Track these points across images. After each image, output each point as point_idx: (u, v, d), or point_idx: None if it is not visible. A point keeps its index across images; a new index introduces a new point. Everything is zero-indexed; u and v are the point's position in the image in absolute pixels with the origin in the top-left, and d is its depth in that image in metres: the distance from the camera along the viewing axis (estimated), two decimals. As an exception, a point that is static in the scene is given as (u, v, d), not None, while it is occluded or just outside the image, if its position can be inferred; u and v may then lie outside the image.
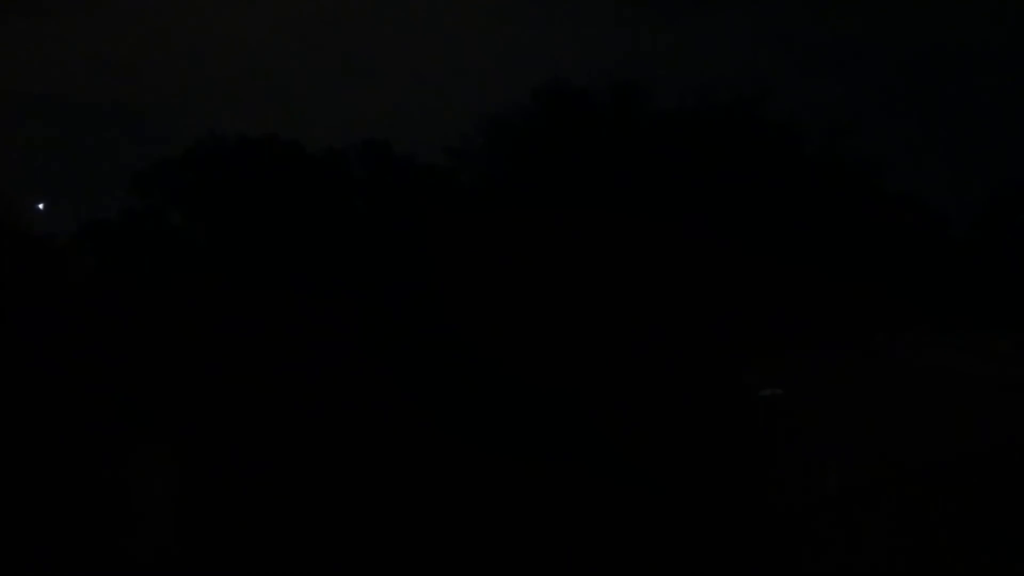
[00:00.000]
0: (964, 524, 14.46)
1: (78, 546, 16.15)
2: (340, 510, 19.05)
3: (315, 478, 23.09)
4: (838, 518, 16.30)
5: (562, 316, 50.76)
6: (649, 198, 51.23)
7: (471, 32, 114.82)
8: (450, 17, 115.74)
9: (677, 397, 42.12)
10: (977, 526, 14.29)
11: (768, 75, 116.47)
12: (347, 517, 18.38)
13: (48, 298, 54.13)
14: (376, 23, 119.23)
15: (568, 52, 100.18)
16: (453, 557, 15.08)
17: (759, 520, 16.78)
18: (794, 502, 17.67)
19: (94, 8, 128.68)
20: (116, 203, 63.14)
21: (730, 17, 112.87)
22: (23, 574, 14.67)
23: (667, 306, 50.19)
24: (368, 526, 17.53)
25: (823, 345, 48.62)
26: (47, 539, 16.61)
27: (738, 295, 49.71)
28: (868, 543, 14.44)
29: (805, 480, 19.38)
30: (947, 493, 16.77)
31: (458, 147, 54.83)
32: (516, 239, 51.97)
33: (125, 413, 38.73)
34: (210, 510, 19.86)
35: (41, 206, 63.28)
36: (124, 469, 25.51)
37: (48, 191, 74.47)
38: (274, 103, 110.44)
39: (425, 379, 51.09)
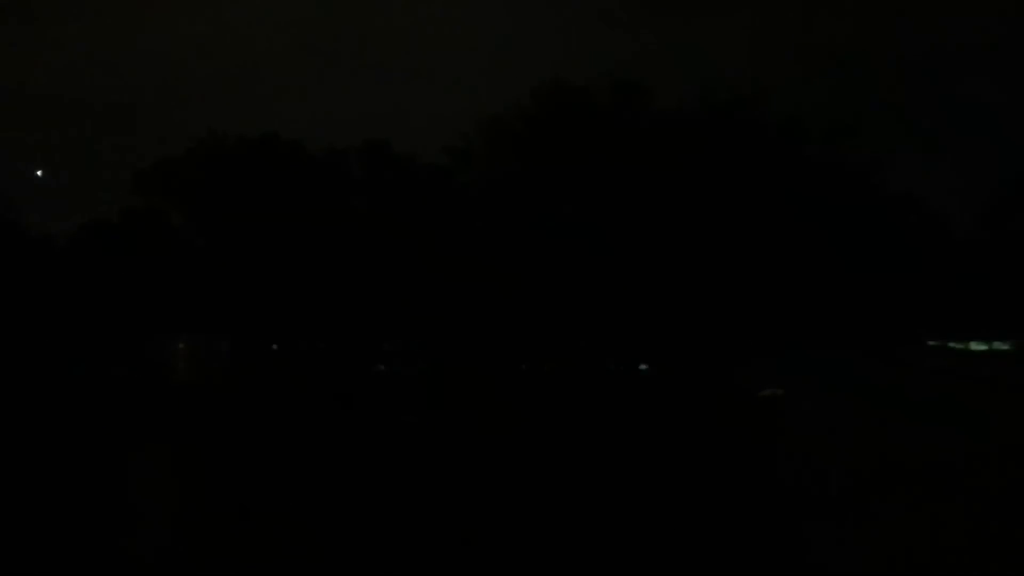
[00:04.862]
0: (964, 524, 14.44)
1: (79, 545, 16.13)
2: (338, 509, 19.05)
3: (313, 477, 23.08)
4: (838, 518, 16.29)
5: (561, 315, 50.83)
6: (649, 198, 51.21)
7: (471, 32, 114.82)
8: (450, 17, 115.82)
9: (678, 397, 42.14)
10: (977, 526, 14.28)
11: (768, 75, 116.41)
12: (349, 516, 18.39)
13: (48, 297, 54.20)
14: (376, 23, 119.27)
15: (568, 52, 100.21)
16: (451, 554, 15.07)
17: (759, 520, 16.78)
18: (794, 502, 17.67)
19: (95, 8, 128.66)
20: (115, 202, 63.02)
21: (730, 17, 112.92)
22: (23, 574, 14.65)
23: (667, 306, 50.24)
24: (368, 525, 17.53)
25: (823, 345, 48.63)
26: (48, 538, 16.59)
27: (738, 295, 49.73)
28: (868, 542, 14.44)
29: (805, 480, 19.37)
30: (947, 493, 16.75)
31: (458, 147, 54.79)
32: (516, 239, 52.03)
33: (125, 413, 38.74)
34: (209, 510, 19.83)
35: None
36: (124, 469, 25.49)
37: (49, 186, 74.52)
38: (274, 103, 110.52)
39: (425, 377, 51.04)
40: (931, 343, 52.50)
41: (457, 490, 20.85)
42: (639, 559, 14.84)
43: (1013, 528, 13.95)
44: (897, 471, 19.11)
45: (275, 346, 57.25)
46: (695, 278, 49.83)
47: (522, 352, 51.88)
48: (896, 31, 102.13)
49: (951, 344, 53.34)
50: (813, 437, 25.63)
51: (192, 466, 26.37)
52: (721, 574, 14.15)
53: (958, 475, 18.20)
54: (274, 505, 19.61)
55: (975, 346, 52.47)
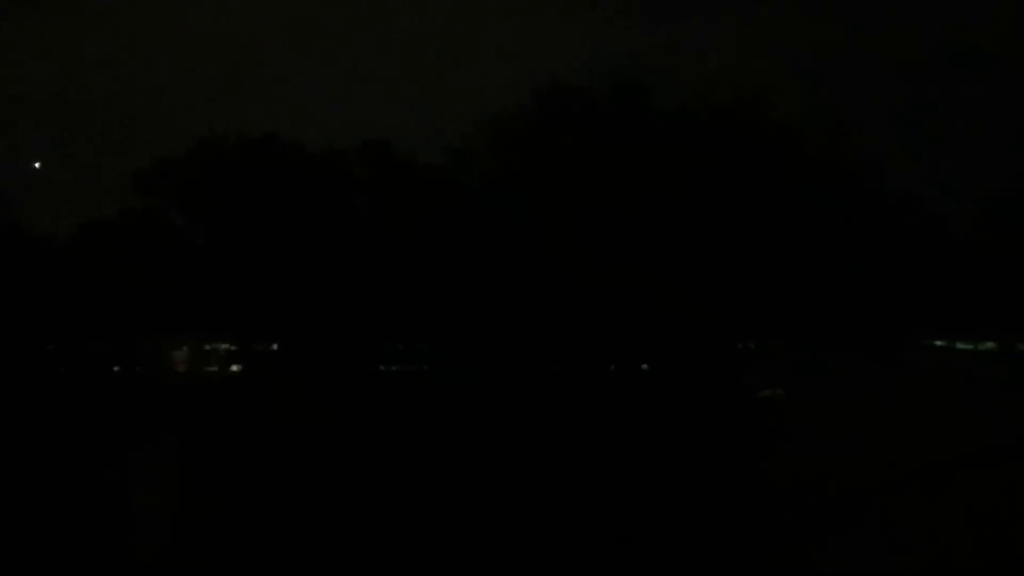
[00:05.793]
0: (964, 523, 14.44)
1: (78, 545, 16.13)
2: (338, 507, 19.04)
3: (312, 477, 23.07)
4: (838, 518, 16.28)
5: (562, 315, 50.84)
6: (649, 198, 51.20)
7: (472, 32, 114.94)
8: (451, 17, 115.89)
9: (678, 397, 42.14)
10: (977, 525, 14.27)
11: (768, 75, 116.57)
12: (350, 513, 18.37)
13: (48, 296, 54.23)
14: (376, 24, 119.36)
15: (568, 52, 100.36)
16: (453, 553, 15.06)
17: (759, 520, 16.76)
18: (794, 502, 17.65)
19: (95, 9, 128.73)
20: (115, 202, 63.12)
21: (730, 17, 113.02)
22: (23, 574, 14.65)
23: (667, 306, 50.25)
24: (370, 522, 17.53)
25: (823, 345, 48.65)
26: (48, 538, 16.58)
27: (738, 295, 49.74)
28: (869, 542, 14.43)
29: (805, 480, 19.35)
30: (948, 492, 16.75)
31: (458, 147, 54.79)
32: (517, 239, 52.04)
33: (125, 413, 38.76)
34: (209, 510, 19.82)
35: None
36: (124, 468, 25.47)
37: (48, 186, 74.76)
38: (274, 103, 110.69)
39: (424, 377, 51.02)
40: (932, 343, 52.52)
41: (456, 491, 20.83)
42: (639, 559, 14.83)
43: (1012, 527, 13.94)
44: (897, 470, 19.11)
45: (275, 346, 57.30)
46: (694, 278, 49.82)
47: (524, 352, 51.87)
48: (897, 31, 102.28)
49: (952, 344, 53.35)
50: (813, 437, 25.64)
51: (187, 466, 26.34)
52: (721, 574, 14.14)
53: (958, 474, 18.19)
54: (271, 504, 19.60)
55: (978, 346, 52.49)
